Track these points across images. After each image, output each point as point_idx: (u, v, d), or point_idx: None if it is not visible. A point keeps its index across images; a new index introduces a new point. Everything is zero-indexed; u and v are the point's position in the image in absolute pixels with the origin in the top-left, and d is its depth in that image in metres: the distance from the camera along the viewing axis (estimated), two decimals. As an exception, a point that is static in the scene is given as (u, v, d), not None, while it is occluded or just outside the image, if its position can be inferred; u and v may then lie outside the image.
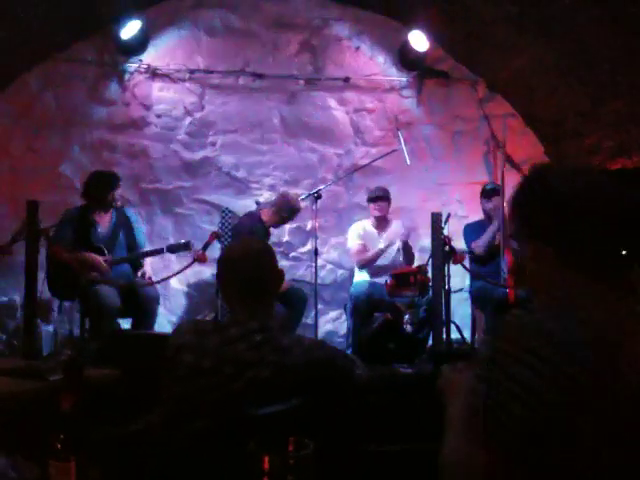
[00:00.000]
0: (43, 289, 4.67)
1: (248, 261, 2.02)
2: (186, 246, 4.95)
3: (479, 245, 5.20)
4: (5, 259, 4.86)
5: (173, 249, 4.99)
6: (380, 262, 5.42)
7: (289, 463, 1.07)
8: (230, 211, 4.89)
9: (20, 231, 4.53)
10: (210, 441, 1.67)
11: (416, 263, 5.61)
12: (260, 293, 2.00)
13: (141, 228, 5.21)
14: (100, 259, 4.76)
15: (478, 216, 5.53)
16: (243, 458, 1.10)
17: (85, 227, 4.87)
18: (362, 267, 5.46)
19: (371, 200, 5.55)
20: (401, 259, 5.52)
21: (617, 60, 4.76)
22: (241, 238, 4.81)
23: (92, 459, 1.36)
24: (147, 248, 5.09)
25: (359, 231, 5.53)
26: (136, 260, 5.03)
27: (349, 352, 5.16)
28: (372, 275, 5.42)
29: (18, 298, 5.42)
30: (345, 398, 1.93)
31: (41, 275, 4.60)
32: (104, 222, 4.97)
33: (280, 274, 2.11)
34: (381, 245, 5.39)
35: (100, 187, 4.92)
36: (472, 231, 5.36)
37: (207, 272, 5.73)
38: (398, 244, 5.47)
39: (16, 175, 5.67)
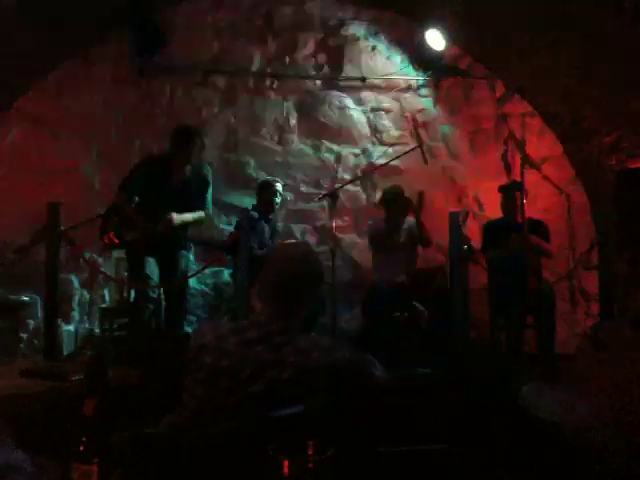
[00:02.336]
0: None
1: (279, 264, 2.04)
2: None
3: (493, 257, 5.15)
4: (26, 259, 4.91)
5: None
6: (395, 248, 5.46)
7: (308, 467, 1.07)
8: (248, 211, 4.91)
9: (40, 232, 4.58)
10: (229, 444, 1.68)
11: (434, 262, 5.60)
12: (285, 296, 2.00)
13: (210, 191, 5.01)
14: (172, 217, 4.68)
15: (497, 215, 5.50)
16: (262, 462, 1.10)
17: (158, 179, 4.76)
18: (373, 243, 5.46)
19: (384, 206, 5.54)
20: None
21: (636, 59, 4.72)
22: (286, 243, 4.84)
23: (113, 462, 1.37)
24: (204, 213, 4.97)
25: (378, 224, 5.51)
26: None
27: (367, 352, 5.15)
28: (391, 262, 5.43)
29: (39, 298, 5.47)
30: (364, 399, 1.93)
31: (61, 276, 4.66)
32: (179, 177, 4.83)
33: (314, 282, 2.09)
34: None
35: (179, 140, 4.82)
36: (491, 231, 5.33)
37: (225, 272, 5.76)
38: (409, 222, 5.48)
39: (36, 178, 5.72)
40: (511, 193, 5.15)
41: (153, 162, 4.88)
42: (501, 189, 5.33)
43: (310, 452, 1.11)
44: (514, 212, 5.11)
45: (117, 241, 4.68)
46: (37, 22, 4.97)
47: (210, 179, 4.98)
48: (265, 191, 5.44)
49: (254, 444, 1.43)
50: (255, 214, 5.32)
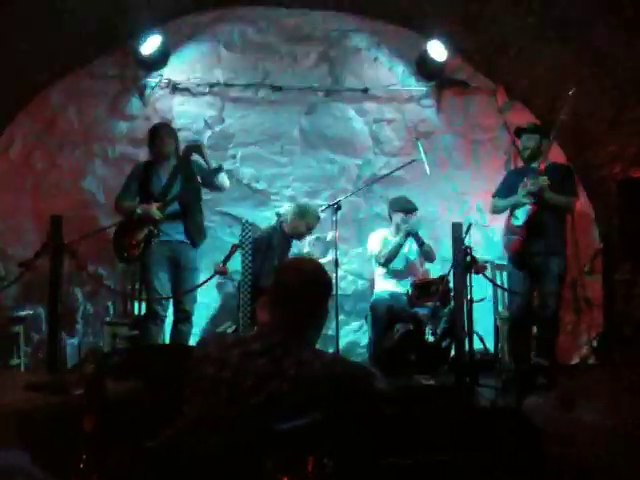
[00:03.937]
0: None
1: (286, 276, 2.06)
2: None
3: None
4: (30, 272, 4.90)
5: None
6: (398, 264, 5.47)
7: (308, 483, 1.07)
8: (250, 223, 4.89)
9: (44, 245, 4.58)
10: (229, 456, 1.67)
11: (438, 273, 5.59)
12: (288, 307, 2.00)
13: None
14: (152, 207, 4.77)
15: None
16: (261, 477, 1.10)
17: (146, 179, 4.93)
18: (385, 263, 5.44)
19: (402, 211, 5.47)
20: (417, 258, 5.60)
21: (638, 66, 4.72)
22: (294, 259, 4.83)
23: (113, 476, 1.37)
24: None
25: (380, 238, 5.51)
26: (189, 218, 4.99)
27: (370, 363, 5.14)
28: (394, 277, 5.44)
29: (43, 311, 5.48)
30: (364, 413, 1.93)
31: (65, 289, 4.66)
32: (166, 173, 4.97)
33: (319, 295, 2.09)
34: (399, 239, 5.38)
35: (150, 139, 5.04)
36: (510, 176, 5.16)
37: (228, 284, 5.76)
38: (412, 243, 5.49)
39: (39, 190, 5.76)
40: (533, 136, 4.87)
41: (140, 168, 5.02)
42: (520, 131, 5.02)
43: (309, 468, 1.11)
44: (536, 157, 4.85)
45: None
46: (40, 34, 5.00)
47: (197, 170, 5.05)
48: (305, 218, 5.36)
49: (254, 456, 1.42)
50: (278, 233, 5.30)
